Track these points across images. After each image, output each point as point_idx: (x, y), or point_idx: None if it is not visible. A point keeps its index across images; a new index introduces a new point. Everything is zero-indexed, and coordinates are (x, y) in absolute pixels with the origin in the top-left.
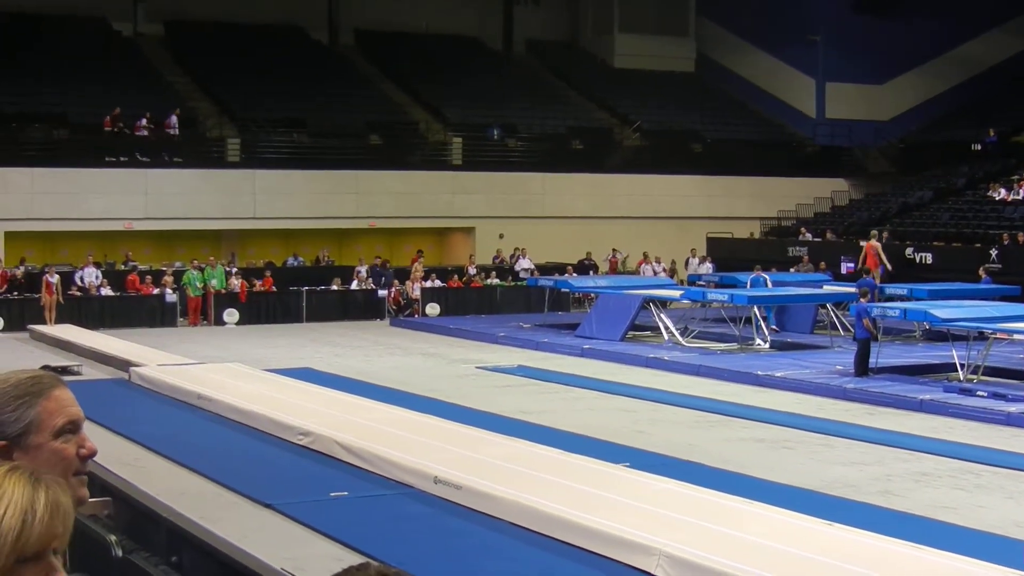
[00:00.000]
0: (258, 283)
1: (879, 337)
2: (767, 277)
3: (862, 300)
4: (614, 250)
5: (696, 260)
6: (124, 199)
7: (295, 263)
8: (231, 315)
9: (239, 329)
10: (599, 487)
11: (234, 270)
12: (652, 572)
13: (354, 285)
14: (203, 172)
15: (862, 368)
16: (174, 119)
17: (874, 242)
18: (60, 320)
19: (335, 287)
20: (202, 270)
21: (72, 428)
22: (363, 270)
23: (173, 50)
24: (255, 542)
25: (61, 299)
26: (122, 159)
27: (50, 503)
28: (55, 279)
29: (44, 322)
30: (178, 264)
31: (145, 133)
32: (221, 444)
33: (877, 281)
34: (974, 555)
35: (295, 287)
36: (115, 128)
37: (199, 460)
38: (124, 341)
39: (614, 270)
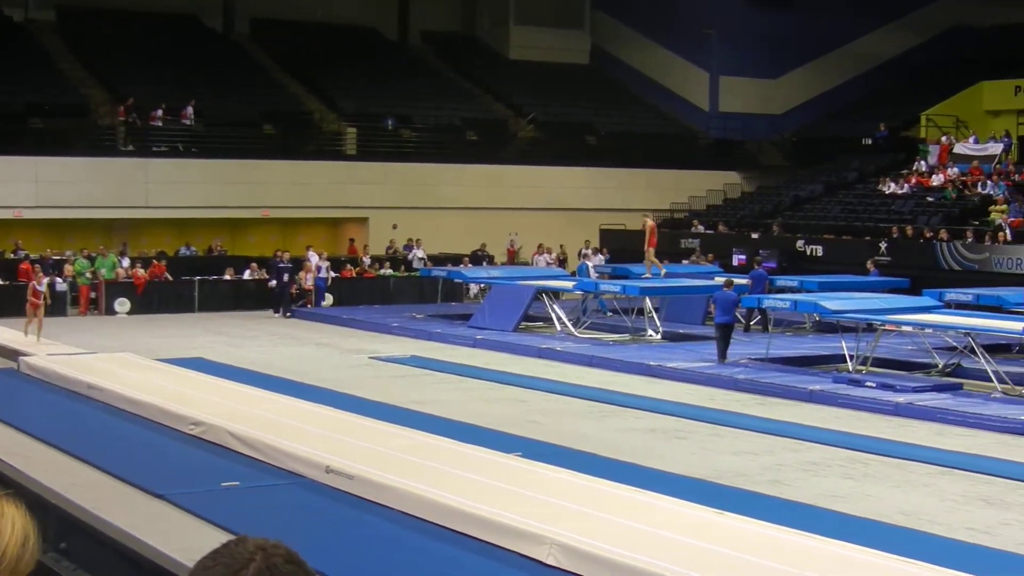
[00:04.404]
0: (142, 271)
1: (752, 326)
2: (589, 265)
3: (726, 289)
4: (511, 235)
5: (589, 251)
6: (14, 188)
7: (188, 253)
8: (122, 304)
9: (131, 319)
10: (491, 477)
11: (126, 261)
12: (544, 561)
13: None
14: (94, 160)
15: (722, 353)
16: (190, 110)
17: (652, 222)
18: None
19: (228, 277)
20: (92, 259)
21: None
22: (314, 258)
23: (65, 37)
24: (146, 532)
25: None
26: (134, 148)
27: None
28: (43, 287)
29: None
30: (68, 252)
31: (160, 124)
32: (112, 434)
33: (650, 260)
34: (863, 543)
35: (187, 277)
36: (129, 118)
37: (90, 450)
38: (13, 330)
39: (512, 259)
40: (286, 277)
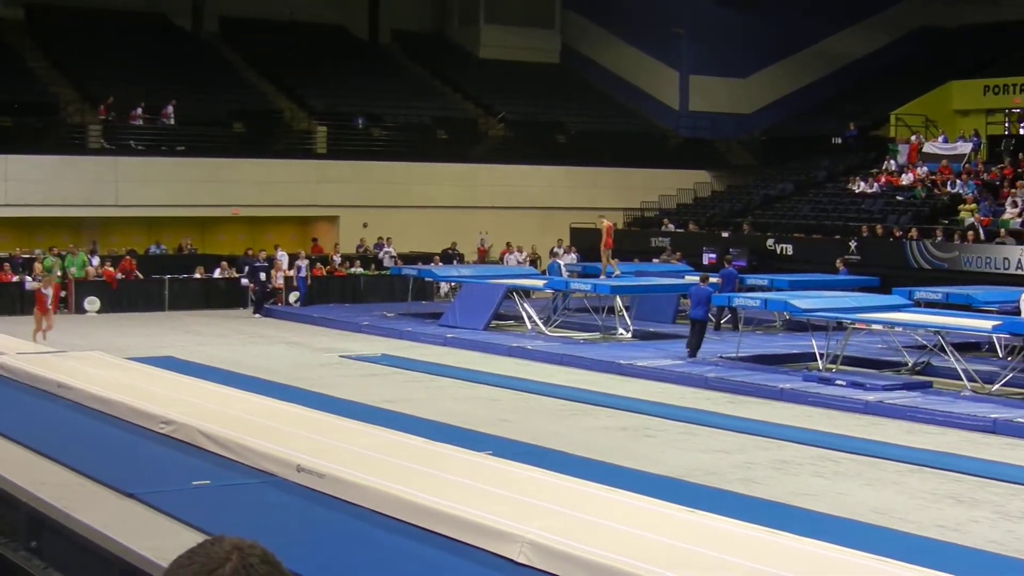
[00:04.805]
0: (111, 268)
1: (722, 324)
2: (561, 264)
3: (702, 284)
4: (481, 234)
5: (560, 250)
6: None
7: (157, 251)
8: (92, 303)
9: (100, 317)
10: (462, 475)
11: (96, 260)
12: (515, 559)
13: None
14: (64, 159)
15: (694, 349)
16: (170, 109)
17: (608, 223)
18: None
19: (198, 275)
20: (62, 257)
21: None
22: (284, 257)
23: (34, 35)
24: (117, 530)
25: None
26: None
27: None
28: (49, 291)
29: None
30: (38, 251)
31: (140, 122)
32: (82, 433)
33: (605, 261)
34: (834, 541)
35: (157, 275)
36: (108, 116)
37: (59, 450)
38: None
39: (482, 258)
40: (263, 276)
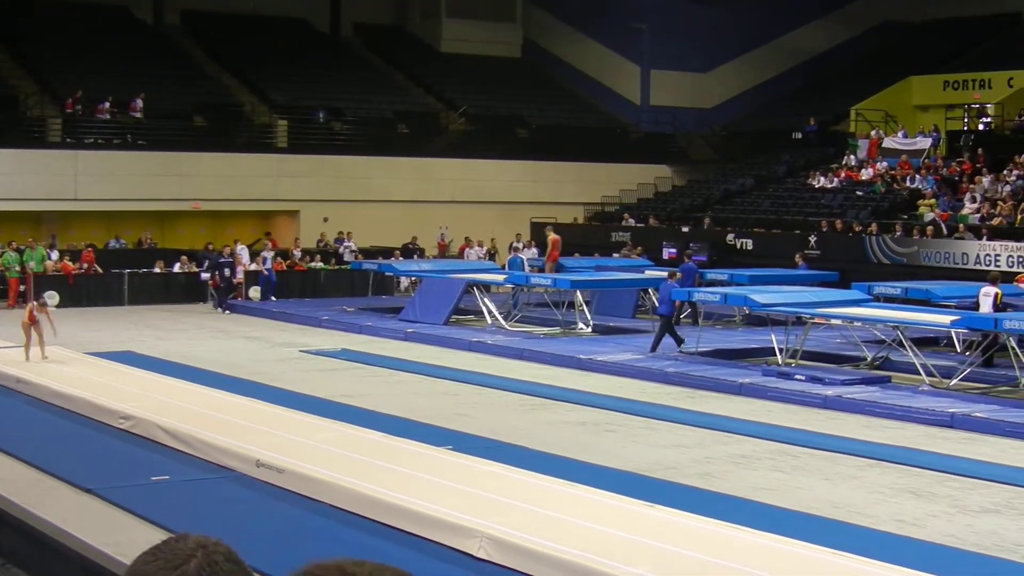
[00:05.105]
0: (73, 265)
1: (682, 319)
2: (523, 259)
3: (670, 280)
4: (441, 228)
5: (520, 244)
6: None
7: (117, 245)
8: (52, 297)
9: (60, 312)
10: (422, 470)
11: (55, 254)
12: (474, 554)
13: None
14: (23, 152)
15: (655, 344)
16: (139, 102)
17: (555, 236)
18: None
19: (158, 270)
20: (21, 252)
21: None
22: (244, 251)
23: None
24: (76, 526)
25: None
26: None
27: None
28: (43, 315)
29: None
30: None
31: (107, 116)
32: (41, 429)
33: (548, 270)
34: (792, 535)
35: (117, 269)
36: (75, 110)
37: (18, 445)
38: None
39: (442, 252)
40: (227, 271)
